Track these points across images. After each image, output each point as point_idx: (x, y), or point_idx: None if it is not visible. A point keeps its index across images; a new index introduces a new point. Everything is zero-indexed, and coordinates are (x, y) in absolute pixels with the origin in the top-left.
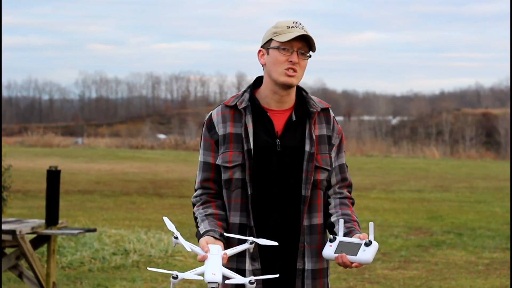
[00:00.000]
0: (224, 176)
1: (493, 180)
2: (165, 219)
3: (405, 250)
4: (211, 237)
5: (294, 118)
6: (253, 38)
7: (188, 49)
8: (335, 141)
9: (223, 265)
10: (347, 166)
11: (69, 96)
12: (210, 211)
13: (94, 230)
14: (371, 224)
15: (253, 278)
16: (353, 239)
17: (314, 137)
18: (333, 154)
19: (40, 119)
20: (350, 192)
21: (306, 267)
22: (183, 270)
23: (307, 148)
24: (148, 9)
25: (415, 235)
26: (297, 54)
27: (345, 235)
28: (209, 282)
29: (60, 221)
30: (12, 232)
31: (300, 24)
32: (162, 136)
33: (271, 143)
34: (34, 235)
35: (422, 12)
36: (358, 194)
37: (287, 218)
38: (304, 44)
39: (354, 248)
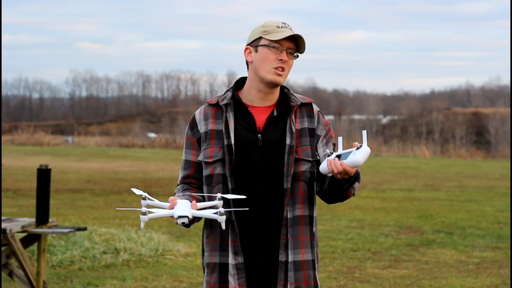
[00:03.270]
0: (206, 172)
1: (484, 179)
2: (133, 189)
3: (395, 249)
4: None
5: (275, 113)
6: (242, 37)
7: (178, 48)
8: (321, 132)
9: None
10: None
11: (60, 94)
12: (188, 193)
13: (85, 229)
14: (364, 132)
15: (222, 209)
16: (348, 150)
17: (294, 131)
18: (320, 144)
19: (30, 118)
20: None
21: (289, 259)
22: (173, 268)
23: (288, 141)
24: (136, 8)
25: (406, 234)
26: (287, 53)
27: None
28: (179, 217)
29: (50, 220)
30: (2, 231)
31: (288, 25)
32: (152, 134)
33: (252, 138)
34: (24, 234)
35: (410, 11)
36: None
37: (269, 211)
38: (293, 44)
39: (346, 154)
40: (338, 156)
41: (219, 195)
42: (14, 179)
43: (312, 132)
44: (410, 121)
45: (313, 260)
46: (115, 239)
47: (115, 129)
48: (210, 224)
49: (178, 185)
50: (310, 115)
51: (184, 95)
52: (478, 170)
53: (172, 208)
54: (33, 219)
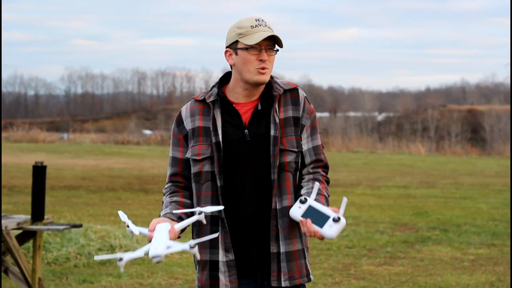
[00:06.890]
0: (194, 169)
1: (479, 176)
2: (120, 213)
3: (390, 246)
4: (163, 217)
5: (259, 107)
6: None
7: (174, 45)
8: (306, 122)
9: (171, 239)
10: (323, 147)
11: (55, 91)
12: (175, 198)
13: (80, 225)
14: (344, 199)
15: (192, 242)
16: (324, 209)
17: (278, 121)
18: (305, 135)
19: (25, 115)
20: (325, 172)
21: (281, 250)
22: (169, 265)
23: (272, 132)
24: (131, 5)
25: (401, 231)
26: (266, 51)
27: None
28: (152, 257)
29: (46, 217)
30: None
31: (263, 21)
32: (148, 131)
33: (239, 134)
34: (19, 231)
35: (405, 8)
36: (343, 190)
37: (258, 204)
38: (270, 41)
39: (322, 219)
40: (311, 211)
41: (198, 209)
42: (9, 176)
43: (296, 121)
44: (406, 118)
45: (303, 249)
46: (111, 236)
47: (111, 126)
48: (199, 222)
49: (166, 183)
50: (295, 102)
51: (180, 92)
52: (474, 167)
53: (150, 241)
54: (29, 216)
